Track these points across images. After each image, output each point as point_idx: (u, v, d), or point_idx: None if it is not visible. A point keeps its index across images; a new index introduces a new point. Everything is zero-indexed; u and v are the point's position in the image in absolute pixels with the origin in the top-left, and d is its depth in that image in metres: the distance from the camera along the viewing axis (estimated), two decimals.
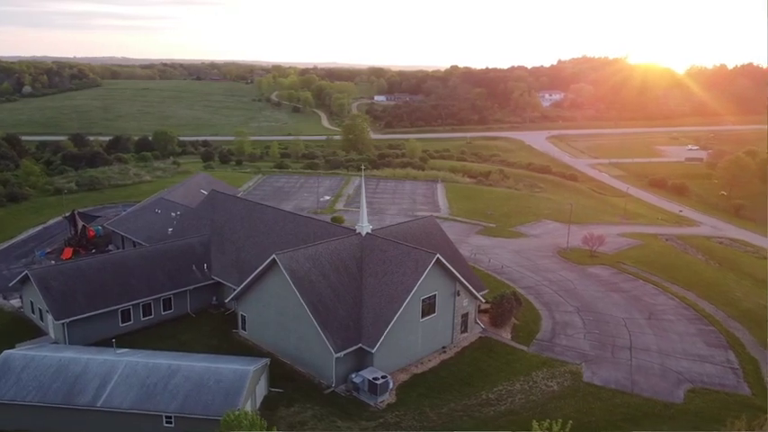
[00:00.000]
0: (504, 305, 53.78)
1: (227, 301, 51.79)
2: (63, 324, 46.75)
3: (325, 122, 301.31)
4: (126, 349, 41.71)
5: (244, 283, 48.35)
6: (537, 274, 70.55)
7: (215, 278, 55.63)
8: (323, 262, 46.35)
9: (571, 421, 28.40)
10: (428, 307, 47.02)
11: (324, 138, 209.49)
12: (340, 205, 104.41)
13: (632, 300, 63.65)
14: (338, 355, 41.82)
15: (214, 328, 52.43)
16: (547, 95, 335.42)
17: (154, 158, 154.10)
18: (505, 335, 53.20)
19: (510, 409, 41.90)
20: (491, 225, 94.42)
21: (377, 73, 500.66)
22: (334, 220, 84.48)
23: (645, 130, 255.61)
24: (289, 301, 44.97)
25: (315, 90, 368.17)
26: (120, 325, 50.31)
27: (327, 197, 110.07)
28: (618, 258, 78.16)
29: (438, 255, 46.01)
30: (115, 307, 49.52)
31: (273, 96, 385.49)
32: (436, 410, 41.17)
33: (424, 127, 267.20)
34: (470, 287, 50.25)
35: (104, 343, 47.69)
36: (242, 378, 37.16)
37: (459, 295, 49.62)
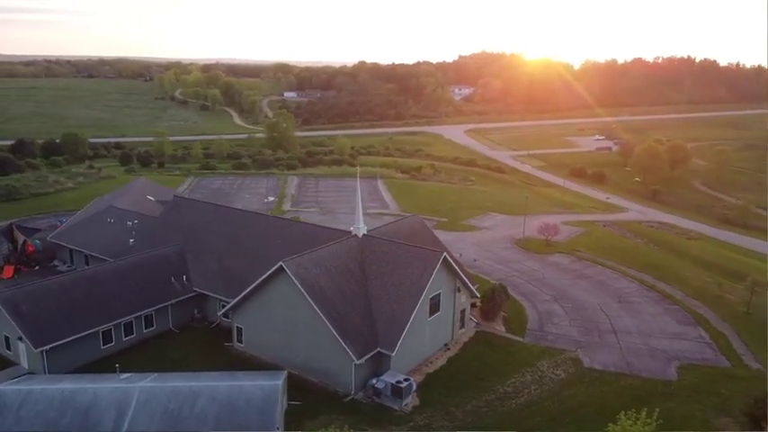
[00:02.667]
0: (495, 299, 54.77)
1: (219, 313, 48.96)
2: (42, 352, 42.20)
3: (237, 120, 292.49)
4: (129, 374, 38.34)
5: (242, 294, 45.86)
6: (505, 266, 72.40)
7: (197, 290, 52.39)
8: (328, 267, 44.96)
9: (658, 409, 29.05)
10: (434, 306, 46.92)
11: (245, 136, 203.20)
12: (287, 206, 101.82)
13: (599, 285, 66.85)
14: (359, 361, 40.75)
15: (204, 343, 49.47)
16: (456, 90, 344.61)
17: (66, 163, 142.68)
18: (499, 328, 54.19)
19: (529, 400, 42.76)
20: (443, 220, 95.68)
21: (283, 69, 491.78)
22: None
23: (552, 122, 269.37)
24: (298, 310, 43.23)
25: (222, 87, 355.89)
26: (102, 347, 46.27)
27: (271, 198, 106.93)
28: (571, 246, 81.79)
29: (445, 253, 45.97)
30: (97, 328, 45.36)
31: (177, 94, 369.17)
32: (461, 409, 41.22)
33: (342, 123, 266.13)
34: (468, 283, 50.68)
35: (86, 368, 44.01)
36: (272, 395, 35.33)
37: (459, 292, 49.91)
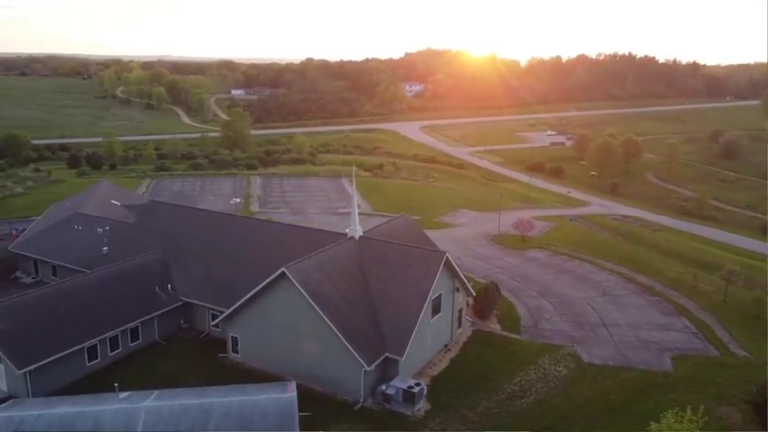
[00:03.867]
0: (489, 297, 54.58)
1: (213, 323, 46.65)
2: (25, 373, 39.08)
3: (185, 119, 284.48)
4: (129, 392, 35.85)
5: (239, 302, 43.83)
6: (486, 263, 72.53)
7: (183, 299, 49.86)
8: (329, 271, 43.56)
9: (696, 405, 29.10)
10: (436, 307, 46.21)
11: (197, 135, 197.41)
12: (254, 207, 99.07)
13: (580, 279, 67.81)
14: (370, 368, 39.57)
15: (195, 355, 47.09)
16: (408, 87, 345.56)
17: (8, 166, 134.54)
18: (495, 326, 54.03)
19: (538, 398, 42.66)
20: (417, 218, 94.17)
21: (228, 66, 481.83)
22: None
23: (504, 118, 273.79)
24: (301, 317, 41.66)
25: (167, 85, 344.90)
26: (87, 364, 43.35)
27: (237, 200, 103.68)
28: (546, 241, 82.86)
29: (447, 253, 45.30)
30: (82, 345, 42.42)
31: (119, 93, 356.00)
32: (473, 411, 40.67)
33: (295, 121, 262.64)
34: (466, 282, 50.24)
35: (72, 389, 41.14)
36: (288, 408, 33.72)
37: (458, 291, 49.39)
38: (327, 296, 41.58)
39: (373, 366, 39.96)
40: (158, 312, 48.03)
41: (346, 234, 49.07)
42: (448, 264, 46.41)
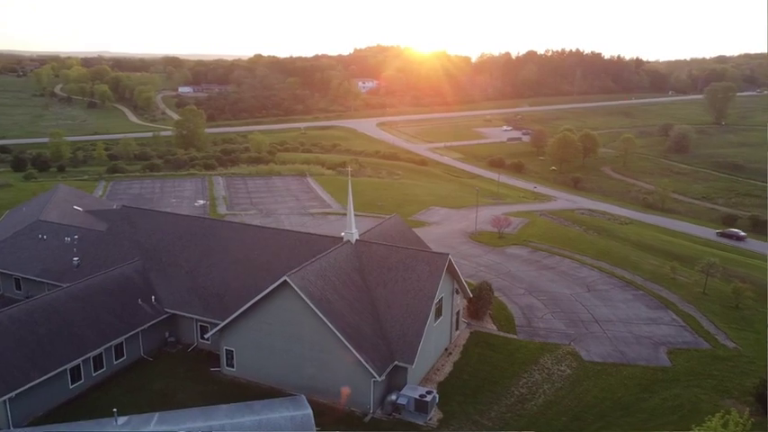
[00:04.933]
0: (484, 297, 53.78)
1: (207, 335, 43.95)
2: (5, 402, 35.62)
3: (132, 118, 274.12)
4: (126, 417, 33.16)
5: (235, 314, 41.40)
6: (469, 261, 71.80)
7: (168, 311, 46.92)
8: (331, 278, 41.71)
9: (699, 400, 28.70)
10: (438, 310, 44.99)
11: (149, 135, 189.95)
12: (222, 209, 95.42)
13: (563, 275, 67.95)
14: (380, 378, 37.98)
15: (186, 370, 44.34)
16: (361, 83, 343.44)
17: None
18: (490, 326, 53.29)
19: (547, 400, 42.10)
20: (389, 216, 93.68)
21: (173, 63, 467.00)
22: None
23: (459, 114, 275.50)
24: (304, 327, 39.69)
25: (110, 82, 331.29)
26: (71, 387, 40.07)
27: (202, 201, 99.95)
28: (522, 237, 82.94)
29: (450, 255, 44.16)
30: (65, 366, 39.12)
31: (58, 90, 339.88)
32: (485, 416, 39.73)
33: (248, 119, 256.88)
34: (464, 284, 49.27)
35: (55, 414, 38.03)
36: (307, 424, 31.90)
37: (458, 293, 48.38)
38: (332, 304, 39.75)
39: (384, 376, 38.39)
40: (143, 327, 44.96)
41: (342, 238, 47.20)
42: (449, 265, 45.26)
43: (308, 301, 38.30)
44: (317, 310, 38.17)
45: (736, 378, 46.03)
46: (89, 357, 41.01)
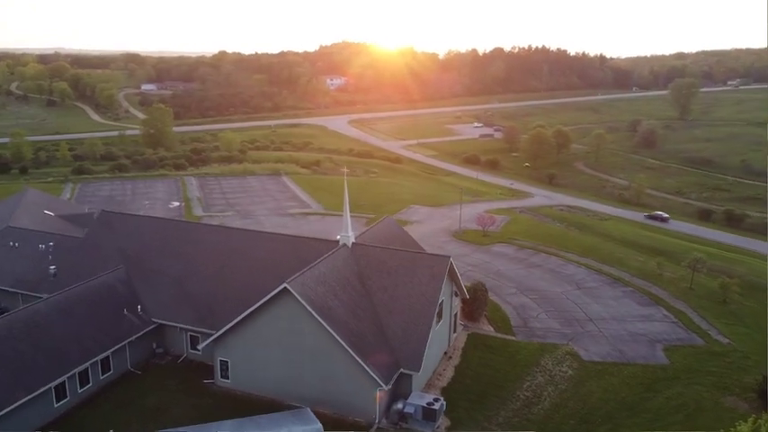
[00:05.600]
0: (480, 298, 52.92)
1: (200, 346, 41.81)
2: None
3: (94, 116, 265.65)
4: None
5: (231, 323, 39.50)
6: (457, 260, 68.86)
7: (156, 321, 44.66)
8: (331, 283, 40.19)
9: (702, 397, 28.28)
10: (439, 313, 43.85)
11: (114, 134, 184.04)
12: (198, 211, 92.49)
13: (552, 273, 67.70)
14: (387, 387, 36.65)
15: (178, 383, 42.20)
16: (329, 80, 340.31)
17: None
18: (487, 327, 52.53)
19: (553, 403, 41.49)
20: (371, 216, 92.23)
21: (134, 60, 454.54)
22: None
23: (429, 111, 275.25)
24: (305, 336, 38.09)
25: (70, 80, 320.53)
26: (56, 405, 37.63)
27: (176, 203, 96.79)
28: (506, 235, 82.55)
29: (450, 257, 43.07)
30: (49, 385, 36.66)
31: (14, 88, 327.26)
32: (493, 422, 38.87)
33: (216, 117, 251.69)
34: (462, 285, 48.28)
35: None
36: None
37: (456, 295, 47.38)
38: (334, 311, 38.24)
39: (390, 384, 37.07)
40: (130, 339, 42.64)
41: (338, 241, 45.64)
42: (449, 268, 44.17)
43: (310, 309, 36.70)
44: (319, 319, 36.61)
45: (734, 374, 46.19)
46: (74, 374, 38.56)
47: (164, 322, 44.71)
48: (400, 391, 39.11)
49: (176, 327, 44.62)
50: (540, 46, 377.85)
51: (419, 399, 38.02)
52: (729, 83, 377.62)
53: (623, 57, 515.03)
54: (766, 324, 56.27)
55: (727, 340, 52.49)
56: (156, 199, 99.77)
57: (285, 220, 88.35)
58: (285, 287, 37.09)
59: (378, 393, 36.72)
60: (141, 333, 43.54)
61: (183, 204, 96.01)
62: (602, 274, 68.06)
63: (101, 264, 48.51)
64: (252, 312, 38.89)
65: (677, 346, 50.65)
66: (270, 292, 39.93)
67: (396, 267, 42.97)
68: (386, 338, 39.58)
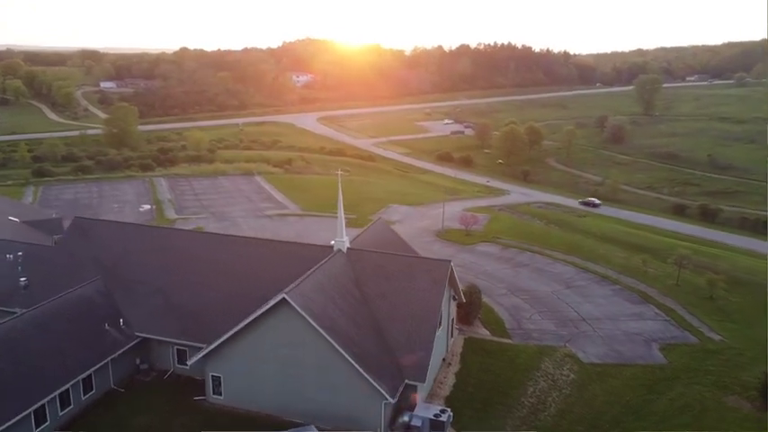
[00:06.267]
0: (474, 301, 51.77)
1: (189, 362, 39.39)
2: None
3: (51, 115, 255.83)
4: None
5: (224, 336, 37.25)
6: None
7: (139, 335, 42.03)
8: (330, 292, 38.38)
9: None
10: (439, 320, 42.44)
11: (75, 133, 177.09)
12: (171, 214, 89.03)
13: (540, 273, 67.15)
14: (394, 400, 35.04)
15: (166, 401, 39.72)
16: (295, 77, 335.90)
17: None
18: (483, 331, 51.40)
19: (559, 409, 40.59)
20: (352, 216, 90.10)
21: (92, 56, 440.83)
22: None
23: (398, 108, 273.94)
24: (305, 348, 36.20)
25: (24, 78, 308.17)
26: (35, 431, 34.81)
27: (147, 206, 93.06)
28: (489, 234, 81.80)
29: (451, 262, 41.68)
30: (30, 410, 33.85)
31: None
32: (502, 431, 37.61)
33: (181, 115, 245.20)
34: (460, 290, 46.98)
35: None
36: None
37: (454, 300, 46.05)
38: (335, 321, 36.42)
39: (396, 397, 35.46)
40: (113, 355, 39.96)
41: (332, 247, 43.75)
42: (450, 272, 42.79)
43: (312, 321, 34.77)
44: (321, 331, 34.72)
45: (732, 372, 46.12)
46: (54, 396, 35.77)
47: (148, 336, 42.11)
48: (405, 402, 37.53)
49: (162, 341, 42.10)
50: (505, 43, 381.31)
51: (425, 410, 36.51)
52: (688, 79, 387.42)
53: (584, 53, 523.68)
54: (755, 320, 56.90)
55: (719, 337, 52.59)
56: (125, 202, 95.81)
57: (263, 221, 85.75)
58: (284, 298, 35.05)
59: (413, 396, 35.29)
60: (125, 348, 40.88)
61: (155, 207, 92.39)
62: (588, 272, 67.78)
63: (76, 274, 45.43)
64: (246, 324, 36.73)
65: (673, 345, 50.45)
66: (263, 302, 38.01)
67: (394, 273, 41.39)
68: (388, 348, 37.95)
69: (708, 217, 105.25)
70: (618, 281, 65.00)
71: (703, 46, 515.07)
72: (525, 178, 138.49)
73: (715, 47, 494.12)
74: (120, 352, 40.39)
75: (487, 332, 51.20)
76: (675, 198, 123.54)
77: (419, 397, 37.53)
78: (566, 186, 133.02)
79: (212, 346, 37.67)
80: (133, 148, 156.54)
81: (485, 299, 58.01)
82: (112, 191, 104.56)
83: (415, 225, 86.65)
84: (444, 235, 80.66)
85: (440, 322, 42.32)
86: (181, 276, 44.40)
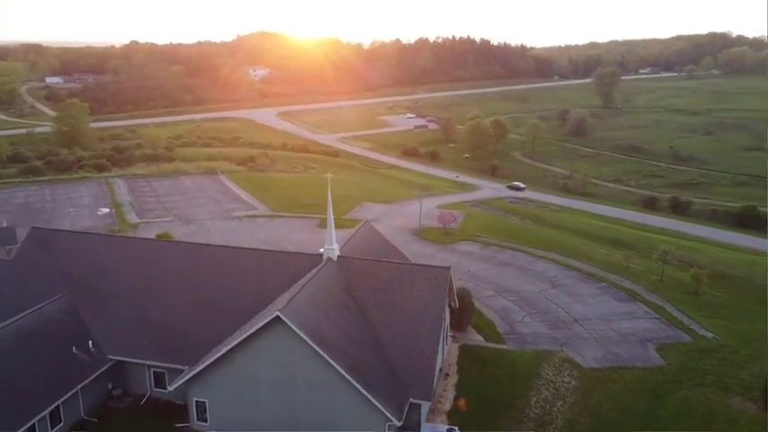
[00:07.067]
0: (466, 306, 49.66)
1: (170, 387, 35.80)
2: None
3: None
4: None
5: (208, 361, 33.97)
6: (426, 261, 67.04)
7: (112, 358, 38.24)
8: (324, 306, 35.64)
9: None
10: (441, 332, 40.06)
11: (21, 132, 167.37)
12: (132, 218, 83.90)
13: (523, 272, 65.69)
14: (399, 422, 32.49)
15: (145, 429, 36.21)
16: (252, 71, 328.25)
17: None
18: (476, 337, 49.36)
19: (567, 419, 38.98)
20: (324, 216, 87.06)
21: (34, 50, 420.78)
22: (159, 238, 67.45)
23: (359, 102, 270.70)
24: (300, 369, 33.41)
25: None
26: None
27: (106, 210, 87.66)
28: (467, 232, 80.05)
29: (450, 268, 39.35)
30: None
31: None
32: None
33: (134, 111, 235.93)
34: (455, 296, 44.74)
35: None
36: None
37: (450, 306, 43.78)
38: (332, 338, 33.67)
39: (402, 418, 32.91)
40: (84, 383, 36.11)
41: (321, 255, 40.79)
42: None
43: (308, 340, 31.86)
44: (319, 350, 31.89)
45: (731, 372, 45.41)
46: None
47: (122, 359, 38.35)
48: (407, 421, 35.02)
49: (137, 363, 38.42)
50: (464, 36, 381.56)
51: (432, 430, 34.12)
52: (641, 71, 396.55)
53: (540, 47, 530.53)
54: (741, 315, 56.74)
55: (711, 334, 52.05)
56: (82, 206, 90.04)
57: (232, 224, 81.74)
58: (277, 315, 32.01)
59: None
60: (96, 374, 37.05)
61: (114, 210, 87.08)
62: (572, 269, 66.66)
63: (37, 291, 41.03)
64: (235, 345, 33.52)
65: (668, 345, 49.60)
66: (250, 317, 35.15)
67: (390, 282, 38.81)
68: (389, 365, 35.36)
69: (678, 209, 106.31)
70: (603, 278, 64.05)
71: (653, 39, 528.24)
72: (494, 173, 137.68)
73: (664, 40, 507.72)
74: (90, 378, 36.54)
75: (481, 338, 49.19)
76: (643, 190, 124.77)
77: (423, 415, 35.15)
78: (534, 180, 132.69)
79: (197, 370, 34.33)
80: (86, 147, 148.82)
81: (473, 301, 56.18)
82: (66, 194, 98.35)
83: (392, 224, 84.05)
84: (422, 234, 78.43)
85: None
86: (156, 291, 40.69)
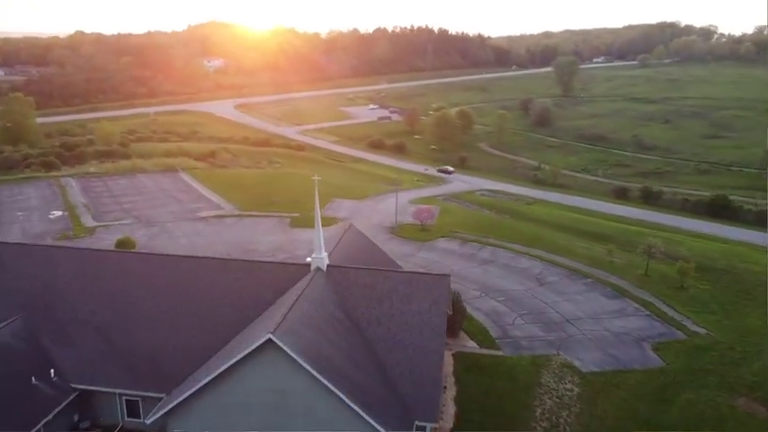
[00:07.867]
0: (458, 310, 47.13)
1: (149, 420, 31.89)
2: None
3: None
4: None
5: (190, 391, 30.29)
6: (404, 261, 64.16)
7: (77, 387, 34.13)
8: (318, 324, 32.42)
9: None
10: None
11: None
12: (89, 221, 78.26)
13: (508, 270, 63.78)
14: None
15: None
16: (207, 62, 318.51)
17: None
18: (470, 344, 46.98)
19: (575, 431, 36.70)
20: (295, 215, 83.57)
21: None
22: (120, 244, 62.80)
23: (319, 93, 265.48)
24: (294, 395, 30.10)
25: None
26: None
27: (58, 213, 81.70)
28: (445, 228, 77.72)
29: (450, 275, 36.65)
30: None
31: None
32: None
33: (83, 105, 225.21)
34: (451, 301, 42.04)
35: None
36: None
37: (448, 313, 41.04)
38: (328, 359, 30.54)
39: None
40: (47, 418, 31.96)
41: (309, 265, 37.46)
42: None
43: (305, 364, 28.62)
44: (317, 375, 28.64)
45: (731, 370, 44.44)
46: None
47: (89, 387, 34.26)
48: None
49: (106, 392, 34.41)
50: (423, 26, 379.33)
51: None
52: (595, 60, 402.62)
53: (496, 36, 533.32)
54: (730, 309, 56.17)
55: (704, 330, 51.14)
56: (31, 209, 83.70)
57: (198, 225, 77.17)
58: (269, 338, 28.65)
59: None
60: (61, 407, 32.91)
61: (68, 213, 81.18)
62: (555, 265, 65.11)
63: None
64: (221, 372, 30.00)
65: (663, 343, 48.35)
66: (233, 336, 31.73)
67: (387, 294, 35.85)
68: (391, 386, 32.43)
69: (650, 200, 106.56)
70: (589, 274, 62.67)
71: (605, 28, 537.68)
72: (463, 164, 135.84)
73: (616, 29, 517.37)
74: (54, 413, 32.40)
75: (475, 344, 46.84)
76: (611, 180, 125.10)
77: None
78: (504, 172, 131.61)
79: (178, 400, 30.60)
80: (32, 144, 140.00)
81: (464, 305, 53.83)
82: (12, 196, 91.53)
83: (366, 222, 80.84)
84: (399, 231, 75.70)
85: None
86: (126, 310, 36.61)
